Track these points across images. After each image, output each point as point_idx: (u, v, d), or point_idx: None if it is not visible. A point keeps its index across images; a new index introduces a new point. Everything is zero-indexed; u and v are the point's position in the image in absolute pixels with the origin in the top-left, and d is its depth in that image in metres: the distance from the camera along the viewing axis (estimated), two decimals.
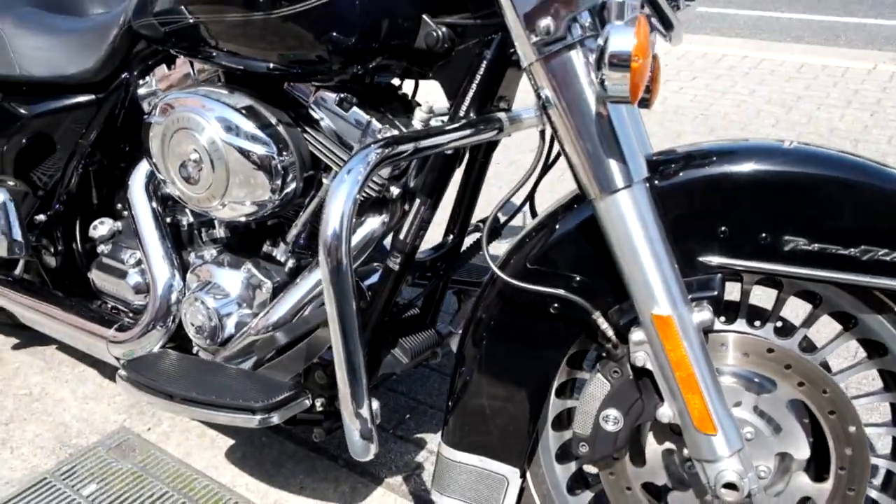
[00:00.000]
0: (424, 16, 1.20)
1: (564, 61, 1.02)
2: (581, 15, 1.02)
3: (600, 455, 1.14)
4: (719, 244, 1.06)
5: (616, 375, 1.12)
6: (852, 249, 1.01)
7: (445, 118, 1.29)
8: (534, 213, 1.34)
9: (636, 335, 1.08)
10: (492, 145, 1.43)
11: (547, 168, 1.30)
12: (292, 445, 1.73)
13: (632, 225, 1.03)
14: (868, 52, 5.09)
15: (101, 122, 1.67)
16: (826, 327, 1.17)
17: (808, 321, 1.12)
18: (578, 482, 1.30)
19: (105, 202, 1.78)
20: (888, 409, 1.19)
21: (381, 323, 1.36)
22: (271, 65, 1.27)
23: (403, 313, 1.52)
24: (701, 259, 1.08)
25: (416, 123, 1.29)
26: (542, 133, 1.13)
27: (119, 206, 1.74)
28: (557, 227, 1.15)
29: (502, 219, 1.52)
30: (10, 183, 1.76)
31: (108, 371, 2.00)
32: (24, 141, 1.72)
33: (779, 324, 1.14)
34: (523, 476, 1.26)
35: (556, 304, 1.14)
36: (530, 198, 1.41)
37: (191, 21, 1.30)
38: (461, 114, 1.23)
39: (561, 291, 1.11)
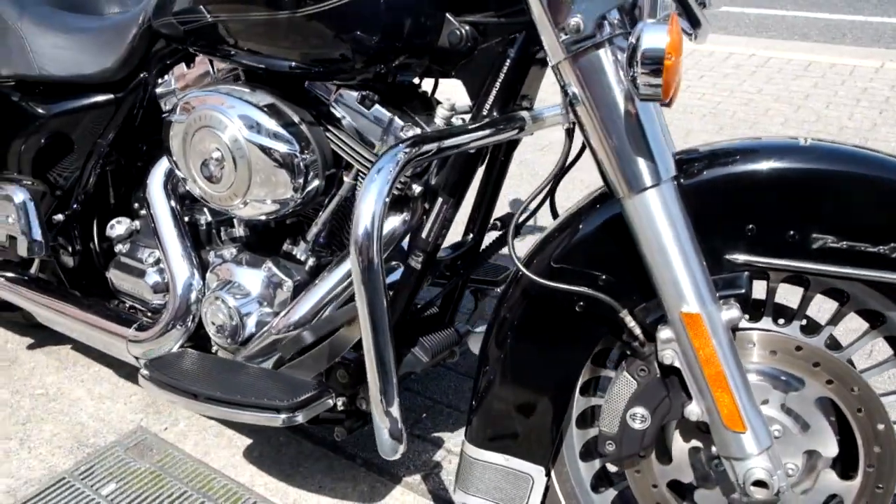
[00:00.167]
0: (448, 14, 1.20)
1: (593, 59, 1.02)
2: (610, 13, 1.01)
3: (627, 453, 1.14)
4: (746, 242, 1.07)
5: (643, 374, 1.12)
6: (881, 247, 1.01)
7: (466, 116, 1.29)
8: (554, 213, 1.34)
9: (664, 333, 1.08)
10: (513, 144, 1.43)
11: (569, 167, 1.30)
12: (310, 444, 1.73)
13: (661, 223, 1.03)
14: (875, 51, 5.09)
15: (120, 122, 1.67)
16: (845, 325, 1.16)
17: (835, 319, 1.12)
18: (602, 480, 1.30)
19: (123, 201, 1.78)
20: None
21: (403, 322, 1.36)
22: (294, 63, 1.27)
23: (423, 312, 1.52)
24: (728, 257, 1.08)
25: (439, 122, 1.29)
26: (568, 132, 1.13)
27: (136, 205, 1.73)
28: (582, 225, 1.15)
29: (521, 218, 1.52)
30: (29, 182, 1.76)
31: (123, 370, 2.00)
32: (42, 141, 1.72)
33: (803, 322, 1.14)
34: (548, 474, 1.26)
35: (581, 303, 1.14)
36: (550, 196, 1.41)
37: (212, 20, 1.30)
38: (484, 112, 1.22)
39: (586, 290, 1.11)
